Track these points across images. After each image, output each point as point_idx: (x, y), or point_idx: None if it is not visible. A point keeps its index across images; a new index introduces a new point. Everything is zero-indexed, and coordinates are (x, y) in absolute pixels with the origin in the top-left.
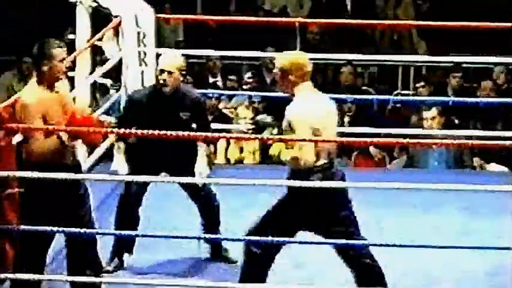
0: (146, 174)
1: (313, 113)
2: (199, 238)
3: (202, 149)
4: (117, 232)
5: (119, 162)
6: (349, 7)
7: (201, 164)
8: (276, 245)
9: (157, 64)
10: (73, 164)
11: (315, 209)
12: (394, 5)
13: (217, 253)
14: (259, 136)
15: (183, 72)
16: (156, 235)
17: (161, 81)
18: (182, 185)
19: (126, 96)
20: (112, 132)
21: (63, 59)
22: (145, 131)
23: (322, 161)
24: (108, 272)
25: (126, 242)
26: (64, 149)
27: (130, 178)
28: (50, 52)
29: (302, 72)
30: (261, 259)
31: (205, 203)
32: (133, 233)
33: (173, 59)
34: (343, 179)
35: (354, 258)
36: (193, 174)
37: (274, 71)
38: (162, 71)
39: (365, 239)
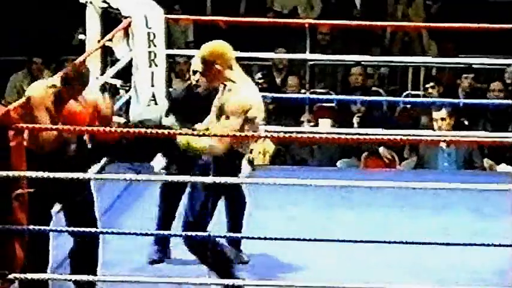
0: (188, 172)
1: (252, 100)
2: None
3: None
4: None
5: (158, 158)
6: (358, 8)
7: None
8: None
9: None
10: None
11: None
12: (404, 6)
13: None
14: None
15: None
16: (170, 233)
17: (193, 82)
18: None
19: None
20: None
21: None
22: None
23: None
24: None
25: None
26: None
27: (140, 177)
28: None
29: (224, 59)
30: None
31: (235, 202)
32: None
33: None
34: None
35: None
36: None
37: (197, 68)
38: (194, 72)
39: None
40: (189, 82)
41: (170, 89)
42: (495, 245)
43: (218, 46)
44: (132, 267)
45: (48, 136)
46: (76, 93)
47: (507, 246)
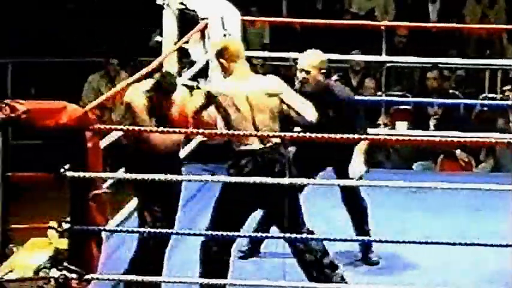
0: (309, 173)
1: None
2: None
3: (357, 147)
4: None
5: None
6: (436, 10)
7: (355, 163)
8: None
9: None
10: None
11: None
12: (484, 6)
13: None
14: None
15: (323, 71)
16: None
17: (300, 80)
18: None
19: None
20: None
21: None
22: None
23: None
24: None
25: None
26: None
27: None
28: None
29: (229, 54)
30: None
31: (353, 206)
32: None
33: (311, 58)
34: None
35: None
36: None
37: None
38: (300, 70)
39: None
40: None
41: None
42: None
43: (228, 42)
44: None
45: (159, 138)
46: (169, 99)
47: None
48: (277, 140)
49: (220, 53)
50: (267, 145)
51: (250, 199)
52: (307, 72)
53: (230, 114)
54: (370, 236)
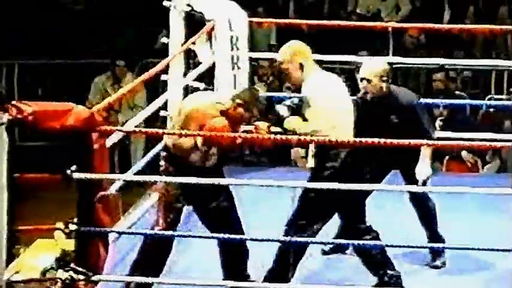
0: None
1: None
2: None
3: (423, 150)
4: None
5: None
6: (446, 11)
7: (421, 165)
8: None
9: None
10: (211, 168)
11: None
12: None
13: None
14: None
15: (384, 78)
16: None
17: (362, 89)
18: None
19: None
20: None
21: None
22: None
23: None
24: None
25: None
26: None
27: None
28: (253, 109)
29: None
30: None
31: (420, 205)
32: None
33: (371, 66)
34: None
35: None
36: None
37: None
38: (361, 79)
39: None
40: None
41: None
42: None
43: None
44: None
45: (189, 145)
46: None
47: None
48: None
49: (298, 54)
50: None
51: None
52: (368, 81)
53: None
54: (441, 238)
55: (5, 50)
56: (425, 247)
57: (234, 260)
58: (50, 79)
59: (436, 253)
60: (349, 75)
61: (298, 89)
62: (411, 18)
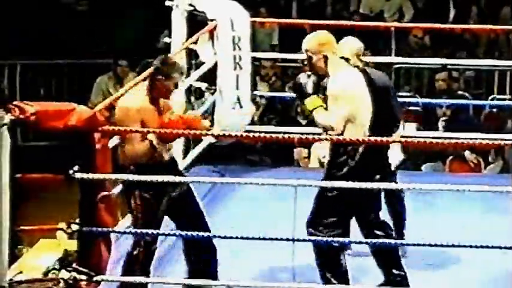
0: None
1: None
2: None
3: (394, 135)
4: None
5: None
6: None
7: (392, 150)
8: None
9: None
10: (168, 161)
11: None
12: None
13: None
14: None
15: (361, 57)
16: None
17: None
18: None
19: None
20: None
21: (176, 84)
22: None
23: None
24: None
25: None
26: (155, 152)
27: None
28: (172, 73)
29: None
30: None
31: (393, 204)
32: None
33: (349, 45)
34: None
35: None
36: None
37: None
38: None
39: None
40: None
41: None
42: None
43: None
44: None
45: (139, 148)
46: (170, 85)
47: None
48: None
49: (325, 45)
50: None
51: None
52: (347, 60)
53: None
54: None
55: (7, 50)
56: (424, 245)
57: (199, 257)
58: (52, 79)
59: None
60: None
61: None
62: (415, 19)
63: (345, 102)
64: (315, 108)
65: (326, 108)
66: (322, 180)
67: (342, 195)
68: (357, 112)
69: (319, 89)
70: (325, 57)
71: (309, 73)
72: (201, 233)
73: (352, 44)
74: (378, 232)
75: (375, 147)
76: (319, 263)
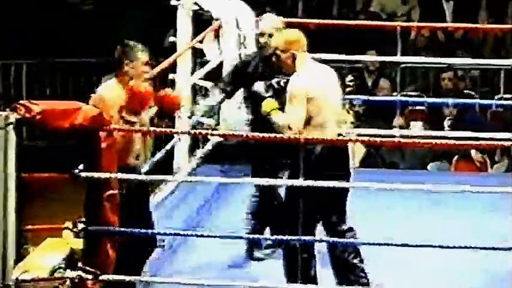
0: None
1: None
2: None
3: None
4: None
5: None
6: (450, 11)
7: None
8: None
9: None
10: (134, 165)
11: None
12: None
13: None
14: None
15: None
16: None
17: (261, 45)
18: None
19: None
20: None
21: (146, 62)
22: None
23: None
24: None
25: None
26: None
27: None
28: (134, 54)
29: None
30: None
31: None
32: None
33: (273, 21)
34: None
35: None
36: None
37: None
38: (261, 35)
39: None
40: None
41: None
42: None
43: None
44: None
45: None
46: (139, 67)
47: None
48: None
49: (292, 44)
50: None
51: None
52: (270, 35)
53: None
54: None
55: (13, 49)
56: (424, 246)
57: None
58: (58, 78)
59: (255, 245)
60: (357, 74)
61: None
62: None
63: (304, 102)
64: (272, 110)
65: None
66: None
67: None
68: (318, 112)
69: (280, 91)
70: (293, 56)
71: (269, 82)
72: (203, 234)
73: (273, 20)
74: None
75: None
76: (287, 269)
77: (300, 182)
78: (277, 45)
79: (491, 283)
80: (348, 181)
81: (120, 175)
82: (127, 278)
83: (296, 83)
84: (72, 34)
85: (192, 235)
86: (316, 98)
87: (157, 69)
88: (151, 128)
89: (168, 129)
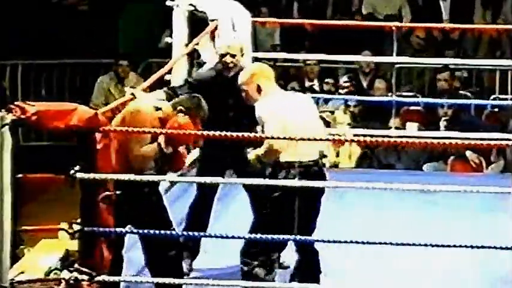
0: (214, 171)
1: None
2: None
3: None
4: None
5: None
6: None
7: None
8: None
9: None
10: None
11: None
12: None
13: None
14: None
15: (242, 54)
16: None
17: (224, 65)
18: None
19: (191, 78)
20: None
21: None
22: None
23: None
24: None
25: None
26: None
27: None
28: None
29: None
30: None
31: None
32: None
33: (237, 42)
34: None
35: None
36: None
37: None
38: (223, 55)
39: None
40: (219, 65)
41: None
42: None
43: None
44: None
45: (150, 152)
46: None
47: None
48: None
49: (257, 75)
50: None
51: None
52: (233, 56)
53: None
54: None
55: (9, 50)
56: (422, 245)
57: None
58: (54, 79)
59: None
60: (353, 74)
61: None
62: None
63: (271, 126)
64: (257, 156)
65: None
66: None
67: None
68: (285, 132)
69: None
70: (258, 86)
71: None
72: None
73: (238, 41)
74: None
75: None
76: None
77: (295, 182)
78: (242, 81)
79: (491, 283)
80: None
81: (115, 176)
82: (122, 279)
83: (261, 108)
84: (68, 35)
85: (192, 235)
86: (280, 122)
87: (157, 74)
88: (141, 129)
89: (165, 130)
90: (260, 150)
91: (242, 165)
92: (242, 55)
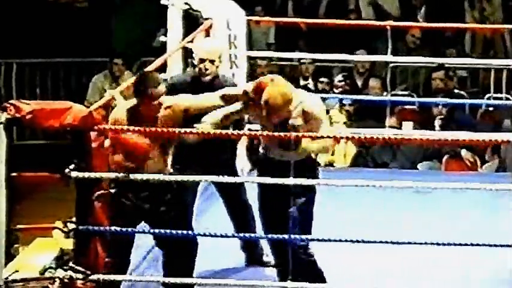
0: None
1: None
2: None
3: (240, 142)
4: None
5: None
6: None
7: (240, 160)
8: None
9: (193, 51)
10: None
11: None
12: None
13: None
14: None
15: (221, 59)
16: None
17: (202, 70)
18: (217, 184)
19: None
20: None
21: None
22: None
23: None
24: None
25: None
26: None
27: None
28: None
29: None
30: None
31: (238, 204)
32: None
33: (216, 47)
34: None
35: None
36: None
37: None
38: (203, 60)
39: None
40: (196, 69)
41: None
42: None
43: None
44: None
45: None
46: (151, 99)
47: None
48: None
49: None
50: None
51: None
52: (212, 62)
53: None
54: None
55: (3, 48)
56: (420, 244)
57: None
58: (48, 78)
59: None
60: (347, 73)
61: None
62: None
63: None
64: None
65: None
66: None
67: None
68: None
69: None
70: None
71: None
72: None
73: (218, 46)
74: None
75: None
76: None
77: (292, 180)
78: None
79: (491, 283)
80: None
81: (111, 175)
82: (117, 278)
83: (314, 102)
84: (63, 34)
85: (191, 235)
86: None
87: (149, 69)
88: (136, 127)
89: (162, 129)
90: (318, 145)
91: (217, 172)
92: (220, 61)
